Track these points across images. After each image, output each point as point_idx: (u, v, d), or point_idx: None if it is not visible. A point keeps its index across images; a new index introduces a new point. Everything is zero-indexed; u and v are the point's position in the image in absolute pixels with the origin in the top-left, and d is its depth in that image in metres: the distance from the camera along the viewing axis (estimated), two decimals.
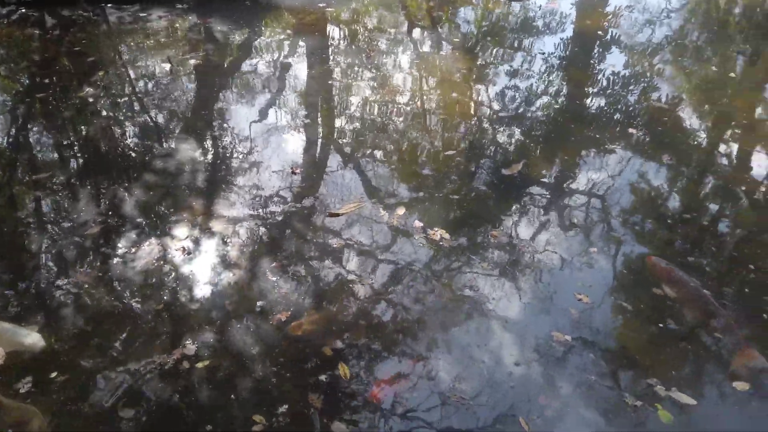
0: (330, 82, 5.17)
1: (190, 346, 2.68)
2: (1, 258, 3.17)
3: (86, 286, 2.96)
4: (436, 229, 3.41)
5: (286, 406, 2.45)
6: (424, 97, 5.11)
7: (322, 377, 2.57)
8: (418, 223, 3.46)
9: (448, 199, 3.69)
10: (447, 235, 3.37)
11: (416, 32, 6.56)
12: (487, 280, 3.12)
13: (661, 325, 2.92)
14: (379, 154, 4.18)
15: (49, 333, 2.72)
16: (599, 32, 6.63)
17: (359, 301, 2.97)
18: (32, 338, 2.66)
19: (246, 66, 5.49)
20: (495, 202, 3.71)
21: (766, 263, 3.34)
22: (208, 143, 4.26)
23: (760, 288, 3.17)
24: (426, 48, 6.21)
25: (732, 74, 5.91)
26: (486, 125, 4.67)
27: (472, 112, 4.85)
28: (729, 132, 4.88)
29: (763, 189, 4.06)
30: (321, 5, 6.78)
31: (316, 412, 2.43)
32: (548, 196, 3.83)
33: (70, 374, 2.54)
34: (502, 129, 4.60)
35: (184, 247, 3.22)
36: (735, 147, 4.68)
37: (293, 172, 3.83)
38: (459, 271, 3.18)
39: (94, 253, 3.19)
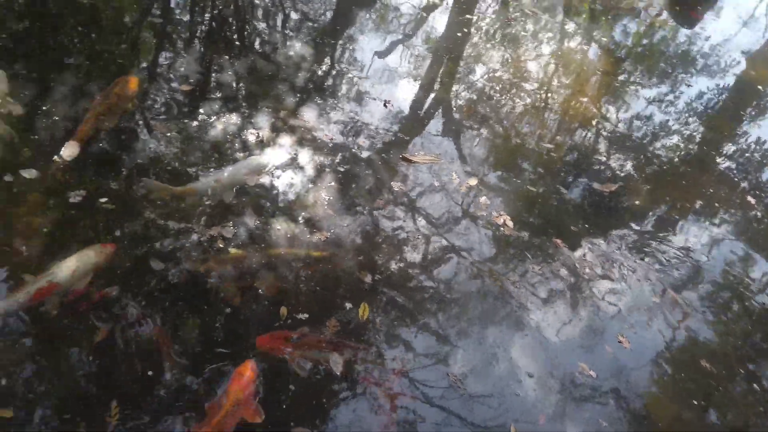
0: (460, 35, 4.95)
1: (229, 228, 2.70)
2: None
3: (168, 134, 3.05)
4: (502, 213, 3.22)
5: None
6: (547, 87, 4.79)
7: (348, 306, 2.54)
8: (485, 200, 3.28)
9: (525, 189, 3.47)
10: (510, 223, 3.18)
11: (569, 24, 6.11)
12: (534, 283, 2.93)
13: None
14: (478, 123, 3.97)
15: None
16: (763, 87, 5.96)
17: (396, 249, 2.87)
18: None
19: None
20: (574, 211, 3.46)
21: None
22: (324, 52, 4.20)
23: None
24: (571, 43, 5.78)
25: None
26: (599, 138, 4.32)
27: (592, 119, 4.49)
28: None
29: None
30: None
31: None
32: (633, 228, 3.51)
33: None
34: (614, 147, 4.24)
35: (258, 134, 3.22)
36: None
37: (385, 105, 3.71)
38: (509, 262, 3.01)
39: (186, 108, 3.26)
